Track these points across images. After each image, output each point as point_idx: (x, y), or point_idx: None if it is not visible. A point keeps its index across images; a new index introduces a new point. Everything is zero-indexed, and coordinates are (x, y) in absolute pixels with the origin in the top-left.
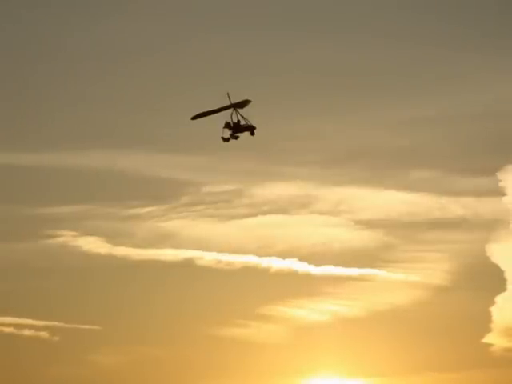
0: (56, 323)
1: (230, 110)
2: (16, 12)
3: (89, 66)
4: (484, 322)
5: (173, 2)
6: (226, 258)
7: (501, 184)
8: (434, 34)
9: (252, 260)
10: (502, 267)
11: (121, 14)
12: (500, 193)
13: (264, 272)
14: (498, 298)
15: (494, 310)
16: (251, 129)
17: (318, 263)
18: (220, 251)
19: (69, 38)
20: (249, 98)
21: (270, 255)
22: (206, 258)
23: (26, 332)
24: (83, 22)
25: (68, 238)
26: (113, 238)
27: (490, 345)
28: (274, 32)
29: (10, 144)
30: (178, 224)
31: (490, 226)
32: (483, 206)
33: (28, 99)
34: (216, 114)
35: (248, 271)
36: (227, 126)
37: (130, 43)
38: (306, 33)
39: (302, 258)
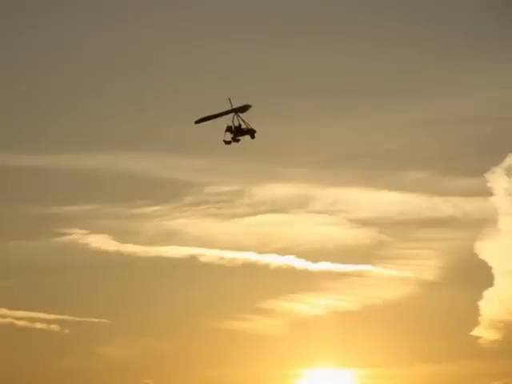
0: (66, 317)
1: (232, 115)
2: (20, 15)
3: (96, 69)
4: (472, 316)
5: (176, 8)
6: (227, 254)
7: (489, 185)
8: (428, 40)
9: (252, 257)
10: (490, 263)
11: (126, 20)
12: (488, 193)
13: (264, 268)
14: (486, 293)
15: (482, 304)
16: (252, 132)
17: (314, 260)
18: (222, 248)
19: (75, 40)
20: (249, 103)
21: (269, 252)
22: (209, 254)
23: (38, 325)
24: (89, 25)
25: (78, 235)
26: (120, 235)
27: (478, 337)
28: (274, 37)
29: (24, 146)
30: (182, 222)
31: (479, 224)
32: (472, 206)
33: (39, 103)
34: (218, 118)
35: (248, 267)
36: (229, 129)
37: (135, 48)
38: (304, 37)
39: (299, 255)
